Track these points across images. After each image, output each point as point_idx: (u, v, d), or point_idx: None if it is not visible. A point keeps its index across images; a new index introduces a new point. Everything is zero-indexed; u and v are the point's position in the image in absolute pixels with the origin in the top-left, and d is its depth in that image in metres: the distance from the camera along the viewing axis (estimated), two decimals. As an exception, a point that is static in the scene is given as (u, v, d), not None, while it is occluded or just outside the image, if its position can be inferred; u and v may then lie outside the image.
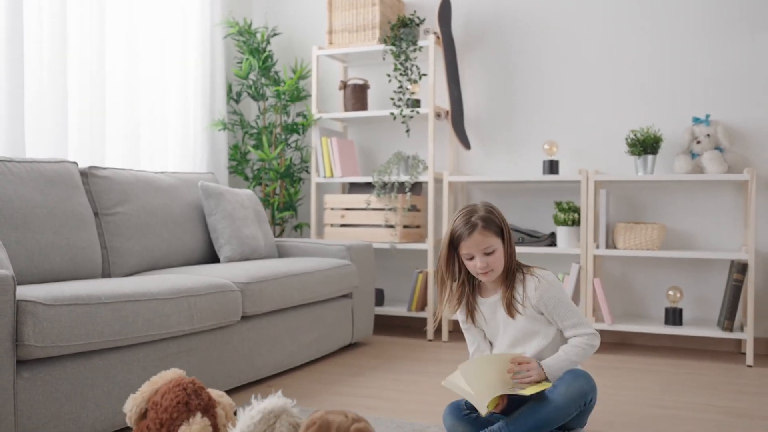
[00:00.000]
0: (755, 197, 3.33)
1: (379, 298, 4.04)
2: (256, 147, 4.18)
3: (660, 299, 3.69)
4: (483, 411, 1.92)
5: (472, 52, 4.10)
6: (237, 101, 4.30)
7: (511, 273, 2.10)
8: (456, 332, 4.08)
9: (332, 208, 4.06)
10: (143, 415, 1.51)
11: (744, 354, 3.47)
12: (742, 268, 3.31)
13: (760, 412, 2.48)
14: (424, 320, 4.08)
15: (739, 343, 3.58)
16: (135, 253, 2.97)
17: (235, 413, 1.52)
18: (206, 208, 3.35)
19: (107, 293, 2.10)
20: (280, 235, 4.29)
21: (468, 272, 2.11)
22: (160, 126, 3.79)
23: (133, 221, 2.99)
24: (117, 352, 2.15)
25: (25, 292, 1.90)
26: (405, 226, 3.93)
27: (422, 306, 3.91)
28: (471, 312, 2.16)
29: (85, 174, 2.93)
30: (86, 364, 2.04)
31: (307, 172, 4.33)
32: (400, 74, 3.88)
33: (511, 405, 2.00)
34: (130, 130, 3.57)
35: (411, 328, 4.20)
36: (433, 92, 3.85)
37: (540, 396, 1.96)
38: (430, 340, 3.84)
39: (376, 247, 3.93)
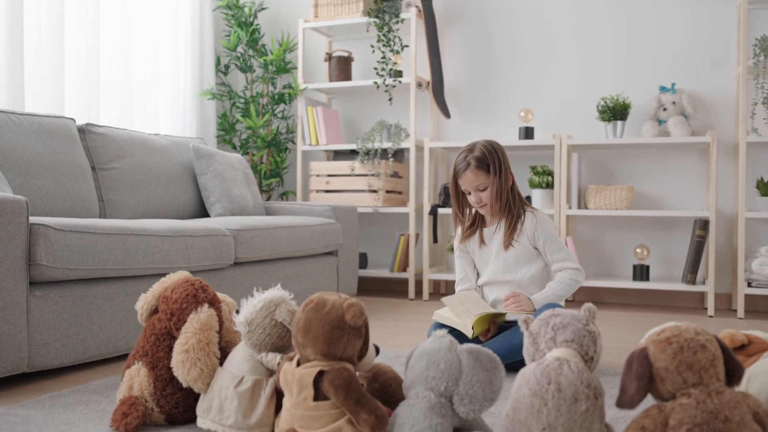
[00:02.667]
0: (716, 159, 3.54)
1: (363, 261, 4.21)
2: (244, 115, 4.33)
3: (628, 257, 3.90)
4: (469, 333, 2.10)
5: (452, 25, 4.28)
6: (225, 73, 4.45)
7: (512, 208, 2.30)
8: (436, 294, 4.26)
9: (317, 175, 4.22)
10: (153, 312, 1.66)
11: (706, 308, 3.69)
12: (704, 224, 3.53)
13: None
14: (406, 281, 4.26)
15: (701, 297, 3.80)
16: (130, 207, 3.11)
17: (237, 311, 1.69)
18: (197, 168, 3.50)
19: (111, 226, 2.25)
20: (267, 201, 4.44)
21: None
22: (152, 93, 3.93)
23: (128, 176, 3.13)
24: (120, 281, 2.30)
25: (37, 218, 2.05)
26: (387, 191, 4.10)
27: (404, 267, 4.09)
28: (476, 236, 2.36)
29: (83, 130, 3.07)
30: (92, 289, 2.19)
31: (293, 142, 4.48)
32: (383, 45, 4.05)
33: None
34: (124, 94, 3.71)
35: (393, 290, 4.38)
36: (414, 63, 4.02)
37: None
38: (411, 299, 4.02)
39: (360, 211, 4.10)
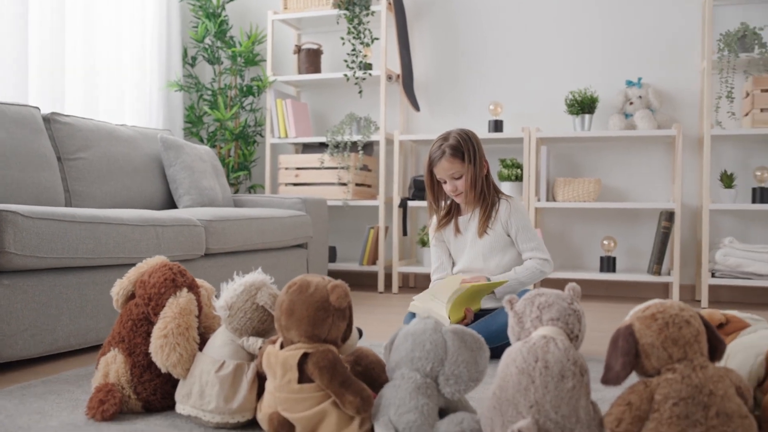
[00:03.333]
0: (681, 152, 3.61)
1: (332, 254, 4.19)
2: (212, 108, 4.27)
3: (595, 249, 3.95)
4: (446, 323, 2.10)
5: (422, 18, 4.28)
6: (192, 65, 4.38)
7: (486, 196, 2.30)
8: (405, 287, 4.27)
9: (286, 168, 4.19)
10: (129, 298, 1.62)
11: (671, 299, 3.75)
12: (669, 216, 3.59)
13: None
14: (375, 274, 4.25)
15: (666, 287, 3.87)
16: (97, 198, 3.04)
17: (216, 296, 1.66)
18: (165, 160, 3.44)
19: (81, 215, 2.20)
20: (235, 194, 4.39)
21: None
22: (118, 83, 3.85)
23: (95, 167, 3.06)
24: (90, 271, 2.25)
25: (5, 205, 1.99)
26: (357, 184, 4.09)
27: (374, 260, 4.08)
28: (452, 225, 2.37)
29: (48, 119, 2.99)
30: (62, 279, 2.14)
31: (261, 135, 4.44)
32: (354, 37, 4.03)
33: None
34: (89, 84, 3.64)
35: (363, 283, 4.37)
36: (384, 56, 4.02)
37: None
38: (381, 292, 4.01)
39: (330, 204, 4.08)
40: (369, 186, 4.23)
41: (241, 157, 4.35)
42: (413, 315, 2.26)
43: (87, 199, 3.00)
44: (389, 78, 4.14)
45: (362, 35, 4.04)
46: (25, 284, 2.01)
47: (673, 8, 3.84)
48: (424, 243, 4.02)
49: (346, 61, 4.05)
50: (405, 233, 4.02)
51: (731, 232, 3.74)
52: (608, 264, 3.73)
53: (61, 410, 1.57)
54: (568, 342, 1.27)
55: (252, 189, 4.47)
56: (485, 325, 2.16)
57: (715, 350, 1.23)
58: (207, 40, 4.36)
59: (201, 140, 4.35)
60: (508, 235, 2.32)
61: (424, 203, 3.94)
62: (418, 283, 4.32)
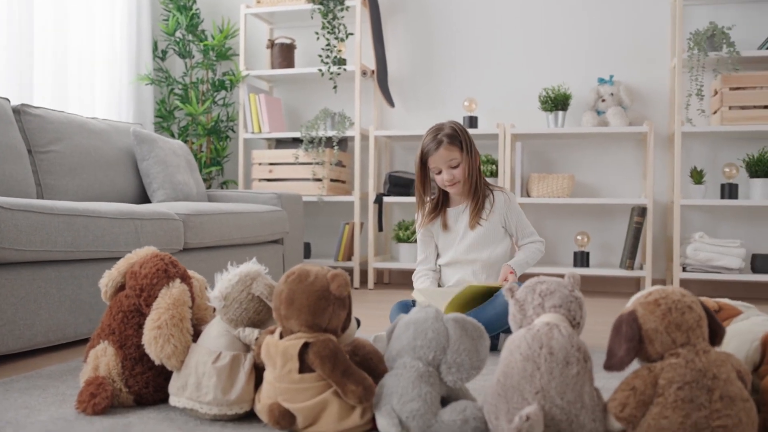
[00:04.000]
0: (653, 149, 3.67)
1: (306, 251, 4.16)
2: (184, 102, 4.21)
3: (569, 244, 3.99)
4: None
5: (396, 14, 4.28)
6: (162, 59, 4.31)
7: (478, 187, 2.32)
8: (379, 283, 4.26)
9: (260, 163, 4.15)
10: (118, 290, 1.59)
11: (643, 293, 3.82)
12: (642, 211, 3.65)
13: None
14: (350, 270, 4.24)
15: (637, 282, 3.93)
16: (69, 191, 2.97)
17: (206, 288, 1.63)
18: (138, 154, 3.38)
19: (60, 207, 2.15)
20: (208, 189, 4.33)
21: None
22: (88, 76, 3.77)
23: (66, 160, 2.99)
24: (69, 265, 2.19)
25: (-19, 196, 1.93)
26: (332, 180, 4.07)
27: (349, 256, 4.06)
28: (439, 219, 2.37)
29: (18, 111, 2.91)
30: (40, 273, 2.08)
31: (233, 130, 4.39)
32: (328, 32, 4.01)
33: None
34: (58, 76, 3.55)
35: (337, 280, 4.34)
36: (359, 51, 4.01)
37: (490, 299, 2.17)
38: (356, 288, 4.00)
39: (304, 200, 4.05)
40: (344, 182, 4.22)
41: (213, 152, 4.29)
42: (400, 307, 2.24)
43: (59, 192, 2.93)
44: (364, 73, 4.12)
45: (337, 30, 4.02)
46: (2, 278, 1.95)
47: (643, 7, 3.91)
48: (399, 239, 4.02)
49: (320, 56, 4.03)
50: (381, 229, 4.01)
51: (701, 227, 3.81)
52: (582, 259, 3.78)
53: (48, 405, 1.53)
54: (571, 329, 1.28)
55: (224, 185, 4.42)
56: (475, 314, 2.16)
57: (715, 335, 1.25)
58: (178, 34, 4.29)
59: (172, 135, 4.28)
60: (503, 227, 2.34)
61: (399, 199, 3.95)
62: (393, 279, 4.32)
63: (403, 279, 4.29)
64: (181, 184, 3.44)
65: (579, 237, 3.81)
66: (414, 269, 2.47)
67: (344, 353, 1.34)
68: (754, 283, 3.69)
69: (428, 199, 2.40)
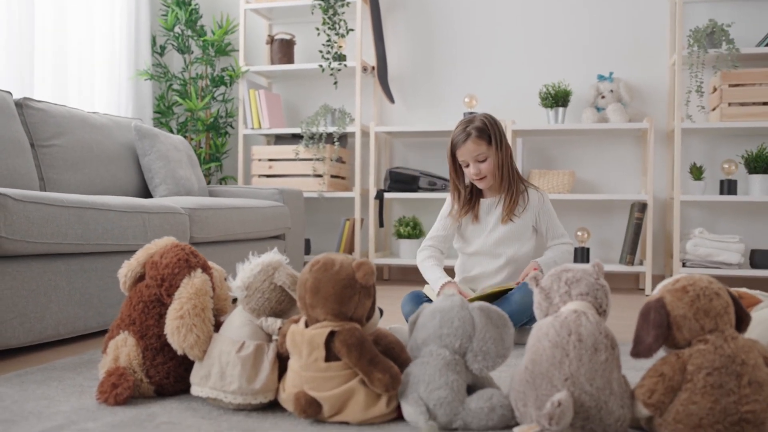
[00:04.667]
0: (653, 145, 3.69)
1: (306, 247, 4.16)
2: (183, 97, 4.19)
3: (568, 231, 4.00)
4: None
5: (396, 10, 4.28)
6: (161, 54, 4.29)
7: (511, 182, 2.28)
8: (380, 279, 4.26)
9: (259, 159, 4.14)
10: (137, 280, 1.58)
11: (642, 289, 3.84)
12: (642, 207, 3.68)
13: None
14: (350, 267, 4.23)
15: (637, 278, 3.95)
16: (71, 186, 2.95)
17: (225, 279, 1.63)
18: (140, 149, 3.36)
19: (70, 199, 2.13)
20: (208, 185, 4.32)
21: None
22: (87, 70, 3.75)
23: (69, 154, 2.97)
24: (78, 258, 2.18)
25: (-8, 188, 1.92)
26: (332, 176, 4.07)
27: (349, 252, 4.06)
28: (469, 209, 2.33)
29: (20, 105, 2.88)
30: (50, 266, 2.07)
31: (232, 126, 4.38)
32: (329, 28, 4.00)
33: None
34: (58, 71, 3.53)
35: (336, 276, 4.33)
36: (360, 47, 4.01)
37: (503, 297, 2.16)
38: (357, 284, 3.99)
39: (304, 196, 4.04)
40: (344, 178, 4.21)
41: (212, 148, 4.28)
42: (412, 298, 2.23)
43: (61, 186, 2.91)
44: (364, 69, 4.12)
45: (337, 26, 4.02)
46: (14, 270, 1.94)
47: (643, 5, 3.93)
48: (399, 235, 4.02)
49: (321, 51, 4.02)
50: (381, 225, 4.01)
51: (700, 222, 3.84)
52: (582, 255, 3.80)
53: (68, 396, 1.52)
54: (597, 316, 1.28)
55: (223, 181, 4.41)
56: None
57: (741, 322, 1.26)
58: (177, 29, 4.27)
59: (171, 131, 4.26)
60: (533, 226, 2.32)
61: (400, 195, 3.95)
62: (392, 276, 4.32)
63: (403, 275, 4.29)
64: (183, 179, 3.43)
65: (579, 233, 3.82)
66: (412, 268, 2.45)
67: (370, 342, 1.34)
68: (753, 278, 3.72)
69: (463, 188, 2.34)
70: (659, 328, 1.23)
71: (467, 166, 2.26)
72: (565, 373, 1.21)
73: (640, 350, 1.24)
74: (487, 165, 2.23)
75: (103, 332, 2.38)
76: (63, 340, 2.23)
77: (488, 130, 2.22)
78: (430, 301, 2.21)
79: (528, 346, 1.30)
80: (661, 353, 1.31)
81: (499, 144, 2.23)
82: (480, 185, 2.30)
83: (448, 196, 2.41)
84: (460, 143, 2.23)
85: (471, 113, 3.92)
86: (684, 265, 3.61)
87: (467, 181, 2.34)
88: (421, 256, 2.38)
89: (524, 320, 2.14)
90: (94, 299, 2.23)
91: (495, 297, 2.16)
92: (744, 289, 1.53)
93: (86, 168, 3.04)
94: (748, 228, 3.81)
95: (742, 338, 1.22)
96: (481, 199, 2.34)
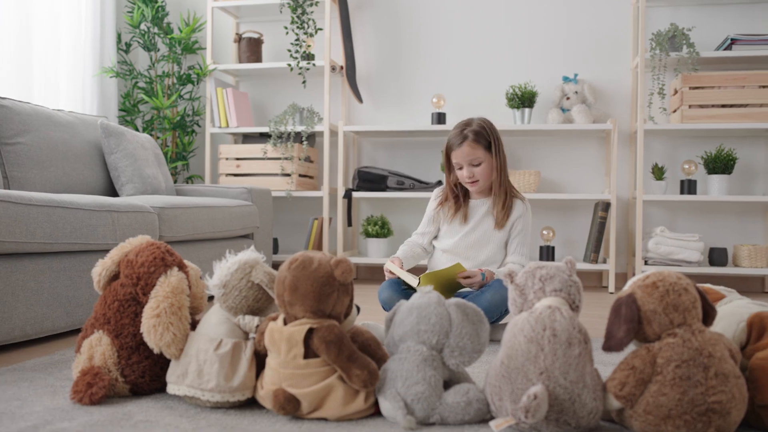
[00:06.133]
0: (616, 145, 3.77)
1: (275, 246, 4.15)
2: (149, 95, 4.14)
3: (535, 239, 4.07)
4: (414, 283, 2.13)
5: (364, 9, 4.30)
6: (126, 51, 4.24)
7: (502, 188, 2.29)
8: (349, 277, 4.26)
9: (227, 158, 4.12)
10: (111, 279, 1.57)
11: (605, 286, 3.92)
12: (606, 206, 3.75)
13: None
14: (318, 266, 4.23)
15: (600, 275, 4.03)
16: (36, 185, 2.90)
17: (201, 277, 1.62)
18: (106, 147, 3.32)
19: (38, 198, 2.10)
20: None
21: None
22: (52, 68, 3.69)
23: (34, 152, 2.92)
24: (46, 257, 2.15)
25: (-42, 186, 1.88)
26: (300, 175, 4.07)
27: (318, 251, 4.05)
28: (458, 208, 2.34)
29: (-17, 102, 2.83)
30: (18, 265, 2.03)
31: (199, 125, 4.35)
32: (297, 27, 4.00)
33: None
34: (22, 68, 3.46)
35: (304, 275, 4.33)
36: (329, 46, 4.01)
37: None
38: (325, 283, 3.99)
39: (273, 195, 4.03)
40: (312, 177, 4.22)
41: (179, 146, 4.24)
42: (390, 285, 2.23)
43: (26, 185, 2.86)
44: (333, 69, 4.13)
45: (306, 25, 4.02)
46: (-19, 270, 1.91)
47: (607, 8, 4.01)
48: (368, 234, 4.03)
49: (289, 50, 4.02)
50: (350, 224, 4.02)
51: (662, 221, 3.94)
52: (547, 253, 3.86)
53: (40, 396, 1.51)
54: (571, 311, 1.32)
55: (190, 180, 4.37)
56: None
57: (708, 316, 1.31)
58: (143, 26, 4.23)
59: (136, 129, 4.21)
60: (509, 233, 2.33)
61: (368, 194, 3.97)
62: (361, 275, 4.33)
63: (371, 274, 4.31)
64: (150, 177, 3.39)
65: (545, 232, 3.89)
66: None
67: (349, 338, 1.35)
68: (712, 275, 3.83)
69: (456, 188, 2.36)
70: (630, 323, 1.26)
71: (460, 168, 2.27)
72: (540, 367, 1.24)
73: (611, 344, 1.28)
74: (480, 169, 2.25)
75: (72, 332, 2.36)
76: (31, 341, 2.19)
77: (486, 135, 2.24)
78: (407, 287, 2.22)
79: (503, 342, 1.33)
80: (631, 347, 1.35)
81: (497, 150, 2.25)
82: (471, 188, 2.32)
83: (433, 192, 2.44)
84: (455, 146, 2.25)
85: (439, 113, 3.96)
86: (646, 263, 3.70)
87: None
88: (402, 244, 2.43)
89: (495, 317, 2.18)
90: (63, 299, 2.20)
91: (447, 278, 2.18)
92: (708, 285, 1.58)
93: (51, 166, 2.99)
94: (707, 227, 3.91)
95: (709, 332, 1.26)
96: (470, 200, 2.37)
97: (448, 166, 2.34)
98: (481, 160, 2.24)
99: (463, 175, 2.27)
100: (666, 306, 1.26)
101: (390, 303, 2.19)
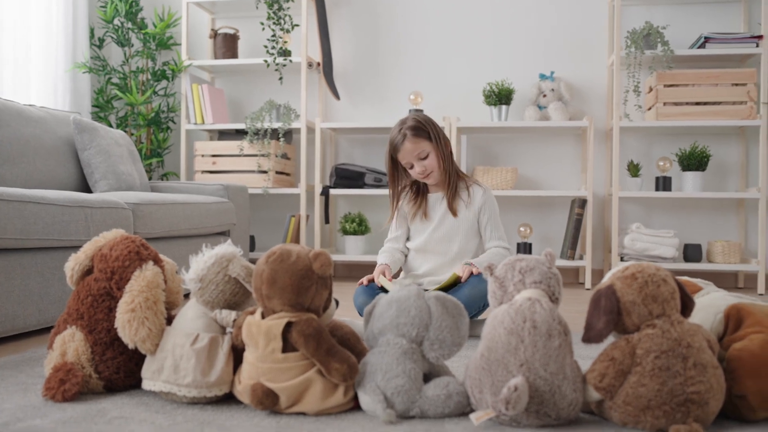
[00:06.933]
0: (592, 143, 3.80)
1: (251, 243, 4.11)
2: (123, 91, 4.09)
3: (512, 236, 4.08)
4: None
5: (341, 7, 4.28)
6: (99, 46, 4.18)
7: (452, 175, 2.29)
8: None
9: (203, 155, 4.07)
10: (85, 274, 1.54)
11: (582, 283, 3.95)
12: (582, 203, 3.77)
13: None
14: (295, 264, 4.21)
15: (576, 272, 4.06)
16: (8, 181, 2.85)
17: (177, 272, 1.60)
18: (79, 143, 3.26)
19: (9, 193, 2.06)
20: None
21: None
22: (23, 63, 3.62)
23: (4, 148, 2.86)
24: (17, 254, 2.11)
25: (-74, 180, 1.84)
26: (277, 172, 4.04)
27: (295, 249, 4.03)
28: (418, 207, 2.33)
29: (-48, 96, 2.77)
30: (-12, 261, 1.99)
31: (174, 121, 4.30)
32: (273, 23, 3.97)
33: None
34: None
35: (281, 273, 4.31)
36: (305, 43, 3.98)
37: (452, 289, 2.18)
38: (302, 281, 3.97)
39: (249, 192, 4.00)
40: (288, 174, 4.19)
41: (153, 143, 4.19)
42: (364, 291, 2.22)
43: (-3, 182, 2.81)
44: (310, 65, 4.11)
45: (282, 21, 3.99)
46: (-50, 266, 1.86)
47: (583, 7, 4.03)
48: (345, 231, 4.02)
49: (266, 47, 3.99)
50: (327, 221, 4.00)
51: (637, 218, 3.97)
52: (525, 250, 3.87)
53: (11, 394, 1.47)
54: (551, 303, 1.32)
55: (165, 177, 4.32)
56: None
57: (686, 307, 1.32)
58: (116, 21, 4.16)
59: (110, 125, 4.15)
60: (477, 223, 2.33)
61: (345, 191, 3.95)
62: (338, 272, 4.31)
63: (349, 272, 4.30)
64: (125, 174, 3.35)
65: (522, 228, 3.90)
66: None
67: (328, 332, 1.34)
68: (686, 271, 3.86)
69: (403, 194, 2.36)
70: (610, 314, 1.27)
71: (411, 167, 2.27)
72: (520, 358, 1.24)
73: (591, 336, 1.28)
74: (430, 161, 2.25)
75: (44, 330, 2.31)
76: (1, 339, 2.15)
77: (424, 127, 2.24)
78: (384, 290, 2.21)
79: (483, 334, 1.32)
80: (610, 339, 1.35)
81: (438, 137, 2.26)
82: (429, 182, 2.31)
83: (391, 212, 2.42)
84: (399, 145, 2.24)
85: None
86: (622, 259, 3.73)
87: (409, 180, 2.35)
88: (379, 253, 2.41)
89: (473, 313, 2.17)
90: (35, 296, 2.16)
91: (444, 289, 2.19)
92: (686, 278, 1.59)
93: (22, 162, 2.93)
94: (682, 223, 3.95)
95: (688, 323, 1.27)
96: (428, 194, 2.37)
97: (392, 171, 2.31)
98: (427, 152, 2.24)
99: (415, 172, 2.27)
100: (645, 297, 1.26)
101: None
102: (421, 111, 2.35)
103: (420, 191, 2.37)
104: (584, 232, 3.84)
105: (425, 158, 2.25)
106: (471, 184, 2.36)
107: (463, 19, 4.15)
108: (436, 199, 2.36)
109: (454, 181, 2.31)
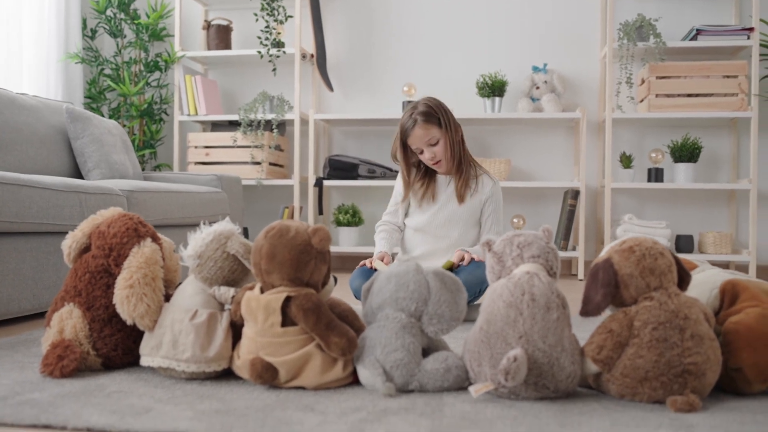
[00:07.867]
0: (585, 134, 3.81)
1: (245, 235, 4.11)
2: (116, 82, 4.07)
3: (506, 227, 4.10)
4: None
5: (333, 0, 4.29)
6: (92, 37, 4.16)
7: (462, 161, 2.28)
8: (319, 266, 4.24)
9: (195, 146, 4.06)
10: (82, 251, 1.53)
11: (575, 274, 3.97)
12: (575, 194, 3.79)
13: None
14: (288, 255, 4.20)
15: (570, 264, 4.07)
16: (1, 168, 2.83)
17: (175, 250, 1.60)
18: (72, 132, 3.25)
19: (4, 176, 2.05)
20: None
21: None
22: (15, 52, 3.60)
23: (-3, 135, 2.85)
24: (12, 238, 2.10)
25: None
26: (271, 164, 4.03)
27: (288, 240, 4.03)
28: (426, 189, 2.32)
29: (-56, 82, 2.76)
30: (-18, 244, 1.98)
31: (167, 113, 4.29)
32: (267, 14, 3.97)
33: None
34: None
35: (275, 265, 4.30)
36: (299, 34, 3.98)
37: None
38: (296, 272, 3.97)
39: (242, 183, 3.99)
40: (282, 166, 4.18)
41: (146, 134, 4.17)
42: (361, 274, 2.22)
43: (-11, 169, 2.79)
44: (303, 57, 4.10)
45: (276, 12, 3.99)
46: (-56, 247, 1.86)
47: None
48: (339, 222, 4.02)
49: (259, 38, 3.98)
50: (320, 213, 4.00)
51: (630, 209, 3.99)
52: (518, 241, 3.88)
53: (8, 371, 1.47)
54: (549, 277, 1.32)
55: (158, 168, 4.31)
56: None
57: (682, 281, 1.33)
58: (109, 12, 4.15)
59: (102, 116, 4.13)
60: (481, 212, 2.33)
61: (339, 182, 3.95)
62: (332, 264, 4.30)
63: (342, 263, 4.30)
64: (118, 164, 3.34)
65: (515, 219, 3.91)
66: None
67: (327, 306, 1.34)
68: (677, 262, 3.88)
69: (416, 178, 2.35)
70: (607, 287, 1.28)
71: (421, 152, 2.26)
72: (519, 331, 1.25)
73: (589, 309, 1.29)
74: (439, 148, 2.24)
75: (38, 315, 2.31)
76: (-4, 323, 2.14)
77: (435, 113, 2.23)
78: None
79: (482, 308, 1.33)
80: (607, 313, 1.36)
81: (449, 124, 2.24)
82: (438, 169, 2.30)
83: (399, 175, 2.41)
84: (409, 130, 2.23)
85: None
86: (614, 250, 3.74)
87: (420, 164, 2.34)
88: (377, 230, 2.40)
89: (470, 298, 2.18)
90: (29, 280, 2.15)
91: None
92: (681, 256, 1.60)
93: (15, 150, 2.92)
94: (674, 214, 3.98)
95: (684, 295, 1.28)
96: (437, 175, 2.36)
97: (404, 156, 2.31)
98: (437, 138, 2.23)
99: (425, 158, 2.26)
100: (642, 270, 1.27)
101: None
102: (428, 97, 2.32)
103: (429, 170, 2.36)
104: (577, 223, 3.86)
105: (435, 144, 2.24)
106: (482, 173, 2.36)
107: (456, 10, 4.16)
108: (444, 182, 2.35)
109: (465, 167, 2.30)
